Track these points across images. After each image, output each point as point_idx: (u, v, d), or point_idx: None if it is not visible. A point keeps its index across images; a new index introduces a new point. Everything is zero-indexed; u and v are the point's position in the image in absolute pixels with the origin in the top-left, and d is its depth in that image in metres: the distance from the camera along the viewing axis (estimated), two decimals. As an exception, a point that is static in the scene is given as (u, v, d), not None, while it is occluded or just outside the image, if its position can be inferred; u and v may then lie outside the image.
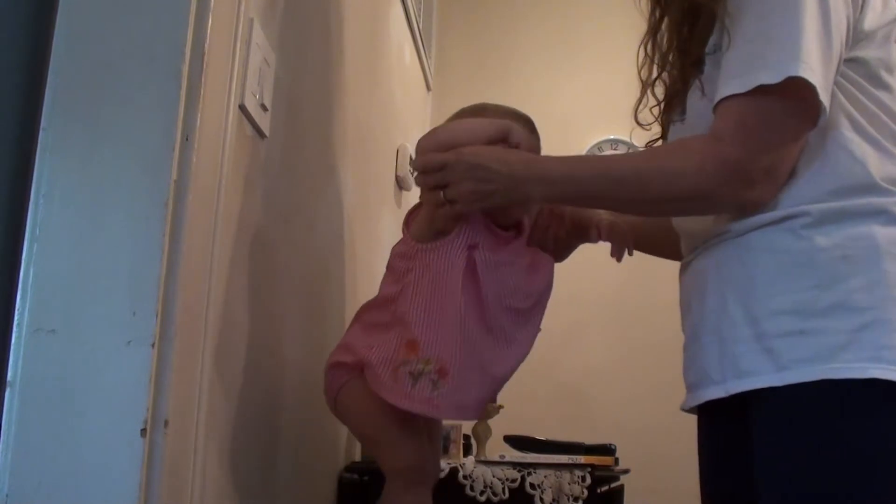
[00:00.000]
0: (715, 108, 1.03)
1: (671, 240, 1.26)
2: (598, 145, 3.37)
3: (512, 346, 1.26)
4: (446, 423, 2.06)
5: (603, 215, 1.33)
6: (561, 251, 1.36)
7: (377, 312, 1.30)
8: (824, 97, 0.98)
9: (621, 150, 3.34)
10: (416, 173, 1.23)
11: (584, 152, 3.34)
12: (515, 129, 1.22)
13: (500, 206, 1.19)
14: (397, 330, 1.23)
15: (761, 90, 0.98)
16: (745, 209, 1.05)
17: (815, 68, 0.98)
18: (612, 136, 3.36)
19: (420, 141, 1.26)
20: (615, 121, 3.29)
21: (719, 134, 1.02)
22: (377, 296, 1.33)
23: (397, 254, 1.31)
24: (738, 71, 1.01)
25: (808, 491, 0.97)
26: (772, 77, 0.98)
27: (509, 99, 3.72)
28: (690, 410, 1.18)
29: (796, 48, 0.98)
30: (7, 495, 0.88)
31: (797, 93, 0.98)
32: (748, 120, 1.01)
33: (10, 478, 0.89)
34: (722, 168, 1.01)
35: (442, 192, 1.17)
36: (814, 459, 0.97)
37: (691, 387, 1.13)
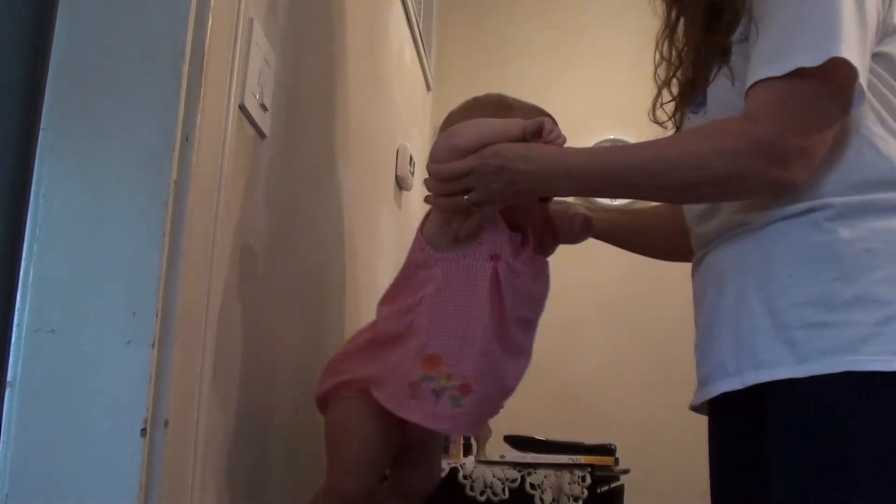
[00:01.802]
0: (747, 92, 1.01)
1: (661, 235, 1.25)
2: (598, 145, 3.37)
3: (522, 356, 1.23)
4: (446, 423, 2.05)
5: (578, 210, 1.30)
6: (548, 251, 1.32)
7: (387, 324, 1.23)
8: (864, 79, 0.97)
9: (621, 150, 3.34)
10: (433, 180, 1.16)
11: (584, 152, 3.34)
12: (547, 122, 1.15)
13: (526, 199, 1.16)
14: (413, 343, 1.17)
15: (800, 73, 0.97)
16: (777, 191, 1.03)
17: (854, 50, 0.96)
18: (612, 136, 3.35)
19: (437, 149, 1.18)
20: (616, 121, 3.29)
21: (753, 114, 1.00)
22: (390, 300, 1.25)
23: (414, 262, 1.23)
24: (772, 55, 1.00)
25: (826, 484, 0.96)
26: (812, 59, 0.96)
27: (509, 99, 3.64)
28: (699, 409, 1.17)
29: (836, 29, 0.96)
30: (7, 495, 0.88)
31: (837, 75, 0.97)
32: (786, 102, 0.99)
33: (10, 478, 0.89)
34: (756, 148, 0.99)
35: (465, 197, 1.12)
36: (833, 452, 0.96)
37: (704, 380, 1.11)
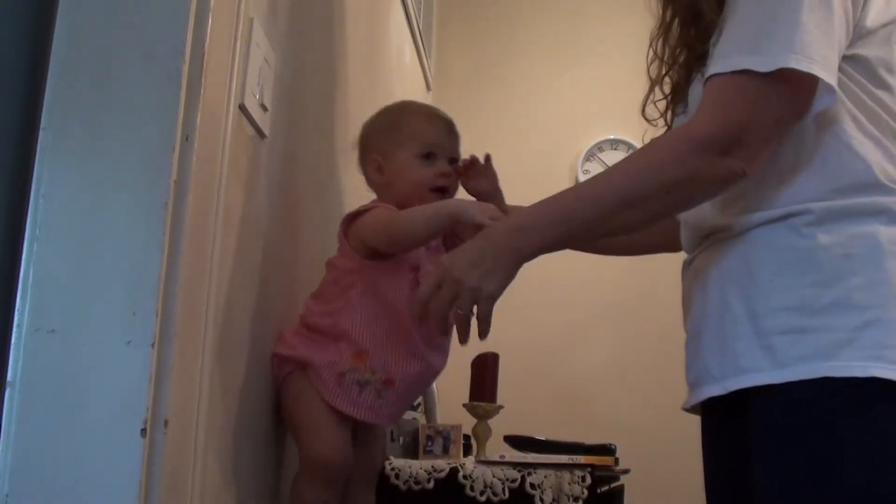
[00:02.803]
0: (703, 90, 1.02)
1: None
2: (599, 145, 3.37)
3: (442, 352, 1.35)
4: (446, 423, 2.06)
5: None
6: None
7: (319, 317, 1.33)
8: (831, 80, 0.97)
9: (621, 150, 3.35)
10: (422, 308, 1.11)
11: (584, 152, 3.35)
12: (462, 206, 1.20)
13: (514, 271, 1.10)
14: (345, 341, 1.29)
15: (746, 71, 0.97)
16: (728, 184, 1.02)
17: (813, 57, 0.96)
18: (612, 136, 3.36)
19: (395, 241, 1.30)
20: (615, 120, 3.29)
21: (698, 114, 1.01)
22: (319, 298, 1.36)
23: (341, 267, 1.35)
24: (725, 53, 1.00)
25: (804, 489, 0.96)
26: (761, 65, 0.97)
27: (509, 99, 3.73)
28: (693, 410, 1.18)
29: (792, 37, 0.96)
30: (7, 495, 0.88)
31: (787, 79, 0.97)
32: (725, 96, 1.00)
33: (10, 478, 0.89)
34: (697, 146, 1.00)
35: (457, 308, 1.07)
36: (811, 457, 0.96)
37: (692, 385, 1.12)
